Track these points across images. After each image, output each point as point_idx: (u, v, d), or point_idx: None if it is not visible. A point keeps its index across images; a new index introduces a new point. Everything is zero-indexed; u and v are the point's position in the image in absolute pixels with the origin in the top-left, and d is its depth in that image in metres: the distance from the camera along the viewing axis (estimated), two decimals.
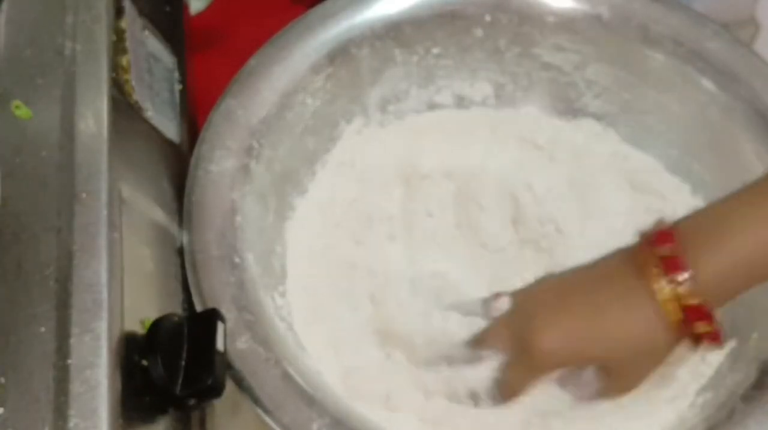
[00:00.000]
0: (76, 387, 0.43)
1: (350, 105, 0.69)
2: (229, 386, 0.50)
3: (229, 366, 0.52)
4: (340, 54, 0.66)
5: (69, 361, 0.43)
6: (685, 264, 0.51)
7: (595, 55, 0.69)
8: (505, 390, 0.57)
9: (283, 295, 0.61)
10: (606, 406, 0.59)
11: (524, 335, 0.56)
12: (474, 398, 0.59)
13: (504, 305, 0.59)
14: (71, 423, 0.42)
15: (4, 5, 0.53)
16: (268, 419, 0.52)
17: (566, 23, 0.68)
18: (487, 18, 0.69)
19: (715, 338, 0.53)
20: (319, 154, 0.68)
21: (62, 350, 0.43)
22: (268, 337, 0.55)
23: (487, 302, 0.61)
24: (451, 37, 0.69)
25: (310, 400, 0.52)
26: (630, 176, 0.69)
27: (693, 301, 0.51)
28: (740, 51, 0.67)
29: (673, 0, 0.69)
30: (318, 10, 0.67)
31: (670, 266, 0.52)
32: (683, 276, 0.51)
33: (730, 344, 0.60)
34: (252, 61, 0.65)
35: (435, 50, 0.70)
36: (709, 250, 0.52)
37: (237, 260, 0.57)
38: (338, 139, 0.69)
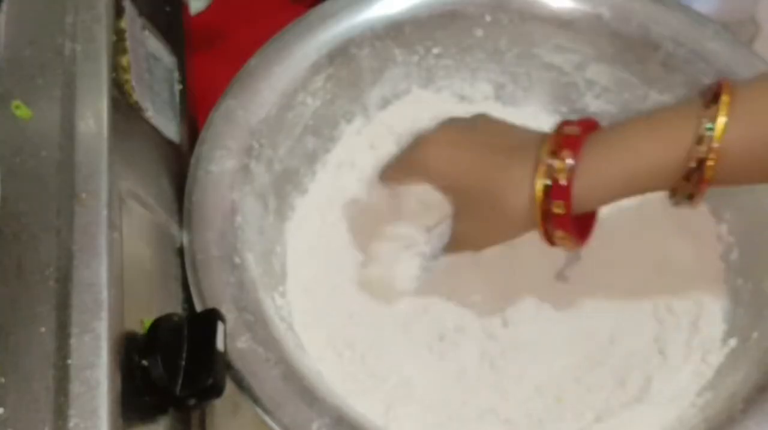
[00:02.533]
0: (76, 387, 0.43)
1: (350, 105, 0.69)
2: (229, 386, 0.50)
3: (229, 366, 0.52)
4: (340, 54, 0.66)
5: (69, 361, 0.43)
6: (578, 149, 0.53)
7: (595, 55, 0.69)
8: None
9: (283, 295, 0.61)
10: (607, 407, 0.59)
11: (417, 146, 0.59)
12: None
13: None
14: (71, 423, 0.42)
15: (4, 5, 0.53)
16: (268, 419, 0.52)
17: (566, 23, 0.68)
18: (488, 18, 0.69)
19: (565, 224, 0.54)
20: (319, 154, 0.68)
21: (62, 350, 0.44)
22: (268, 337, 0.55)
23: None
24: (451, 37, 0.69)
25: (310, 400, 0.52)
26: None
27: (563, 181, 0.53)
28: (740, 51, 0.66)
29: (673, 0, 0.69)
30: (318, 10, 0.67)
31: (566, 144, 0.53)
32: (569, 160, 0.53)
33: (730, 344, 0.60)
34: (252, 61, 0.65)
35: (435, 50, 0.70)
36: (599, 152, 0.53)
37: (237, 260, 0.57)
38: (338, 139, 0.69)
